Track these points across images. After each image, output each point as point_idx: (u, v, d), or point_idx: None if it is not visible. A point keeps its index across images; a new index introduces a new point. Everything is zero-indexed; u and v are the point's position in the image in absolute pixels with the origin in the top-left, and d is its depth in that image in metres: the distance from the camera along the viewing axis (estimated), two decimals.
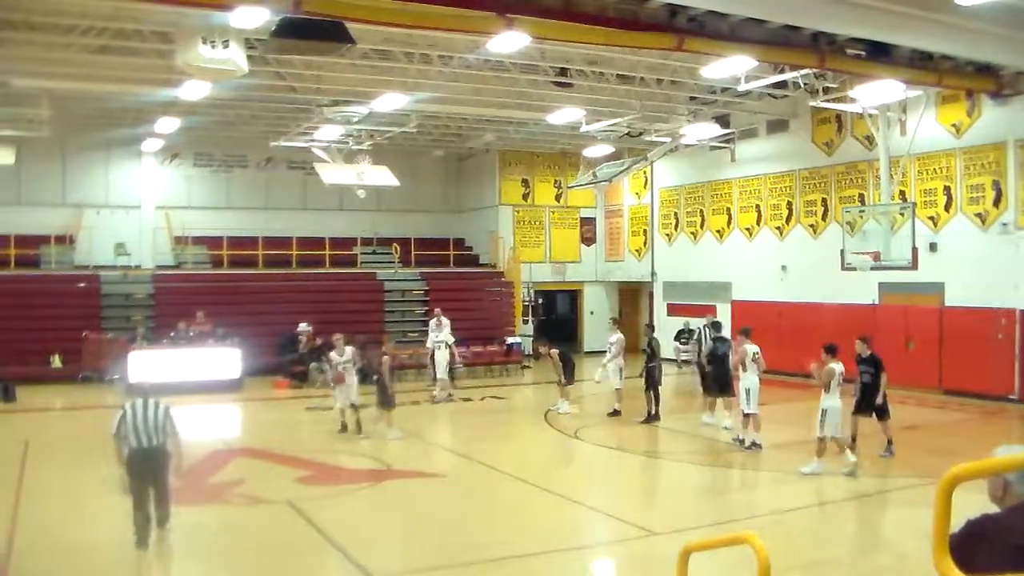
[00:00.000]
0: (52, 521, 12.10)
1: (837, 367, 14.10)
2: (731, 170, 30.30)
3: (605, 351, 20.96)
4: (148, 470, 10.70)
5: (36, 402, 23.02)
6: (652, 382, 19.42)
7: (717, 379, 18.80)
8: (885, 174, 23.63)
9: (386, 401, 18.07)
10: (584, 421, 19.70)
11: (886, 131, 23.67)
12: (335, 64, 21.21)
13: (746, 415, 16.32)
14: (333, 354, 18.70)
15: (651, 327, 21.46)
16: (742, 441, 16.35)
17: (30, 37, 19.03)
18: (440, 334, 23.11)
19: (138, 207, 33.28)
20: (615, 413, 19.90)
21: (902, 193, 24.03)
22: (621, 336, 20.35)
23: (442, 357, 23.03)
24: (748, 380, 16.36)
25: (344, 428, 18.18)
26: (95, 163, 32.84)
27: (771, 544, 5.14)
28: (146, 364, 23.21)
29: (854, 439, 15.26)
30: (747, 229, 29.67)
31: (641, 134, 27.86)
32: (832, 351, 14.40)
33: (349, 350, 18.51)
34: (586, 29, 16.91)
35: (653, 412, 19.38)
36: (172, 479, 10.94)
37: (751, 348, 16.69)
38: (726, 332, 21.12)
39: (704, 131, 27.17)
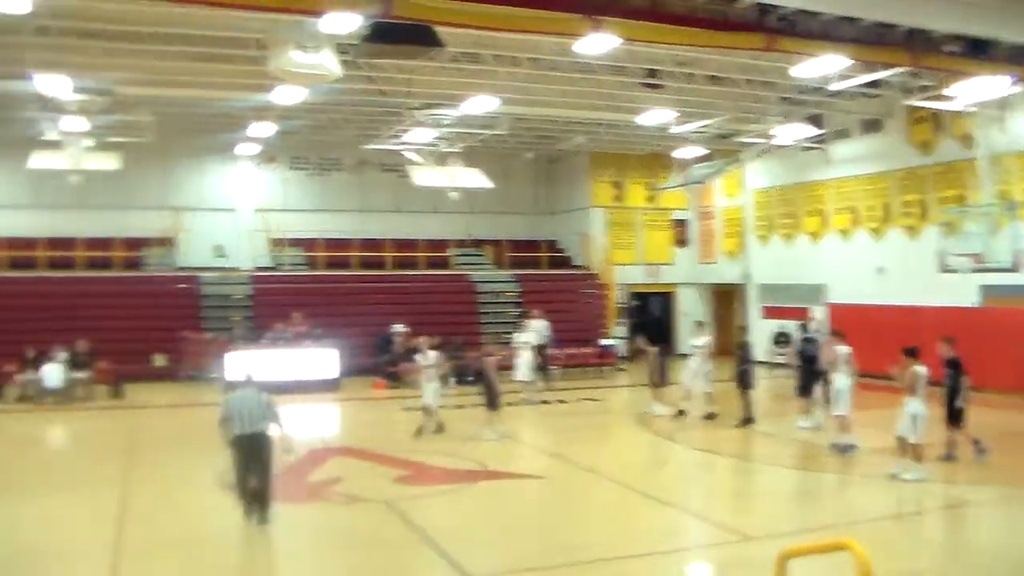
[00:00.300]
0: (158, 516, 12.49)
1: (921, 370, 13.84)
2: (825, 171, 29.77)
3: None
4: (251, 454, 11.58)
5: (141, 399, 23.76)
6: (745, 385, 19.28)
7: (801, 380, 18.68)
8: (986, 174, 23.04)
9: (492, 402, 18.11)
10: (679, 423, 19.59)
11: (986, 129, 23.09)
12: (425, 67, 21.39)
13: (835, 417, 16.10)
14: (418, 356, 18.91)
15: (744, 329, 21.26)
16: (838, 446, 16.07)
17: (134, 47, 19.66)
18: (524, 335, 22.95)
19: (236, 210, 34.10)
20: (710, 416, 19.70)
21: (1004, 193, 23.39)
22: (709, 339, 20.20)
23: (524, 359, 22.79)
24: (839, 382, 16.13)
25: (419, 432, 18.14)
26: (194, 167, 33.72)
27: (869, 551, 5.09)
28: (244, 364, 23.62)
29: (951, 446, 14.96)
30: (842, 231, 29.15)
31: (732, 135, 27.62)
32: (913, 354, 14.07)
33: (432, 354, 18.60)
34: (674, 30, 16.82)
35: (748, 415, 19.17)
36: (281, 461, 11.92)
37: (844, 350, 16.45)
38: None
39: (796, 132, 26.81)
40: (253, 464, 11.61)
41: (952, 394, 15.01)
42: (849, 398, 16.05)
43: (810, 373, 18.33)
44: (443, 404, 18.86)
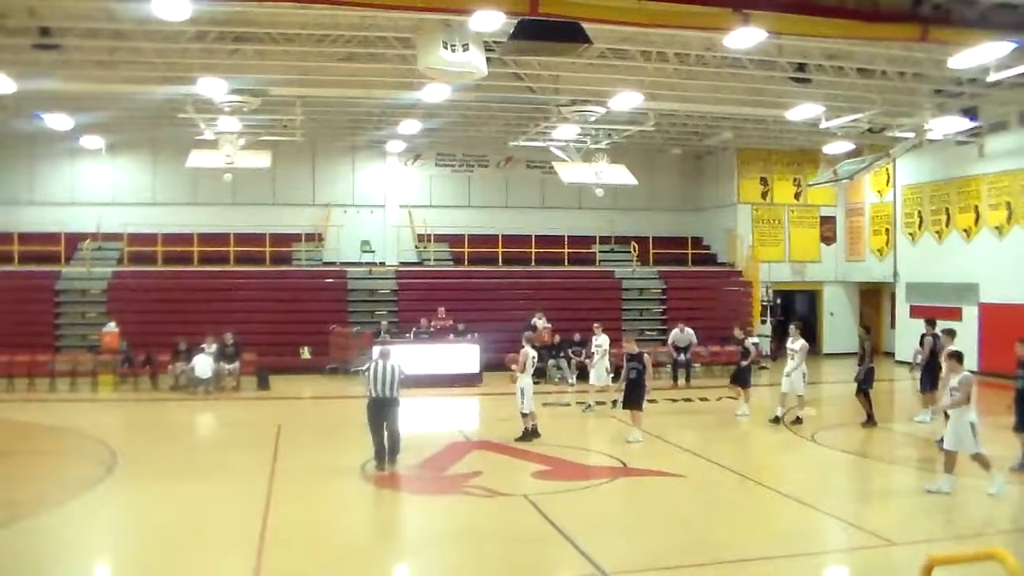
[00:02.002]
0: (302, 505, 12.70)
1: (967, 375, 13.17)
2: (979, 165, 28.53)
3: (846, 353, 20.23)
4: (381, 413, 14.57)
5: (287, 391, 24.36)
6: (866, 385, 18.72)
7: (925, 375, 18.50)
8: None
9: (637, 400, 17.79)
10: (820, 424, 19.06)
11: None
12: (572, 64, 21.36)
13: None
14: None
15: (866, 329, 20.57)
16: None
17: (286, 49, 20.19)
18: (599, 340, 21.71)
19: (382, 206, 34.66)
20: (798, 421, 19.10)
21: None
22: (804, 343, 19.52)
23: (601, 364, 21.49)
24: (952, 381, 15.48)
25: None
26: (342, 164, 34.46)
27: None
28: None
29: None
30: (997, 228, 27.93)
31: (883, 129, 26.70)
32: (959, 358, 13.53)
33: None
34: (824, 22, 16.40)
35: (870, 415, 18.67)
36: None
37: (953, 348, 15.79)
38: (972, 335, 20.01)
39: (950, 125, 25.73)
40: (384, 421, 14.52)
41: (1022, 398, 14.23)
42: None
43: (935, 368, 17.68)
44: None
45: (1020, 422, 14.29)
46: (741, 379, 20.90)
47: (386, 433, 14.51)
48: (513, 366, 18.00)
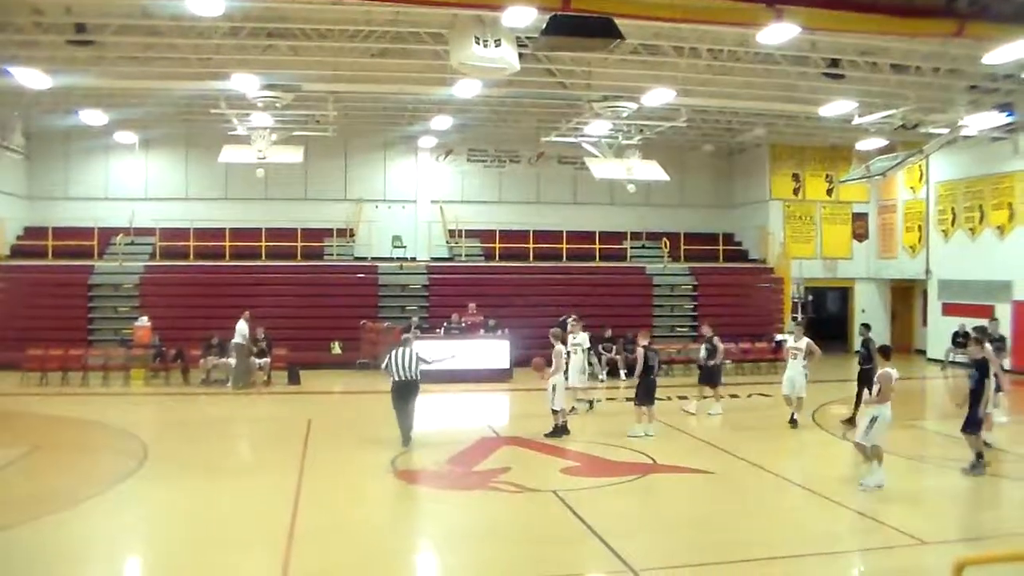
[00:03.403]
0: (332, 500, 12.76)
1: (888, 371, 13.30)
2: (1015, 162, 28.19)
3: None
4: (404, 395, 16.18)
5: (317, 385, 24.44)
6: (864, 384, 18.40)
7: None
8: None
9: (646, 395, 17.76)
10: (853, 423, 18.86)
11: None
12: (604, 60, 21.31)
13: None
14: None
15: (866, 327, 20.17)
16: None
17: (319, 44, 20.25)
18: (577, 339, 20.54)
19: (414, 201, 34.69)
20: (793, 423, 18.55)
21: None
22: (809, 341, 18.99)
23: (575, 363, 19.96)
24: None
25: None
26: (374, 160, 34.52)
27: None
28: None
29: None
30: None
31: (916, 126, 26.39)
32: (885, 353, 13.88)
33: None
34: (858, 17, 16.27)
35: (853, 416, 18.18)
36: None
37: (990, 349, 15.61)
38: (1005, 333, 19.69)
39: (985, 121, 25.42)
40: (407, 402, 16.14)
41: None
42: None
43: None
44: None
45: None
46: (709, 378, 20.48)
47: (406, 413, 16.17)
48: (541, 372, 17.70)
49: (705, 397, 20.53)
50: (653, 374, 17.81)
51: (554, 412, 17.28)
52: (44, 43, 19.42)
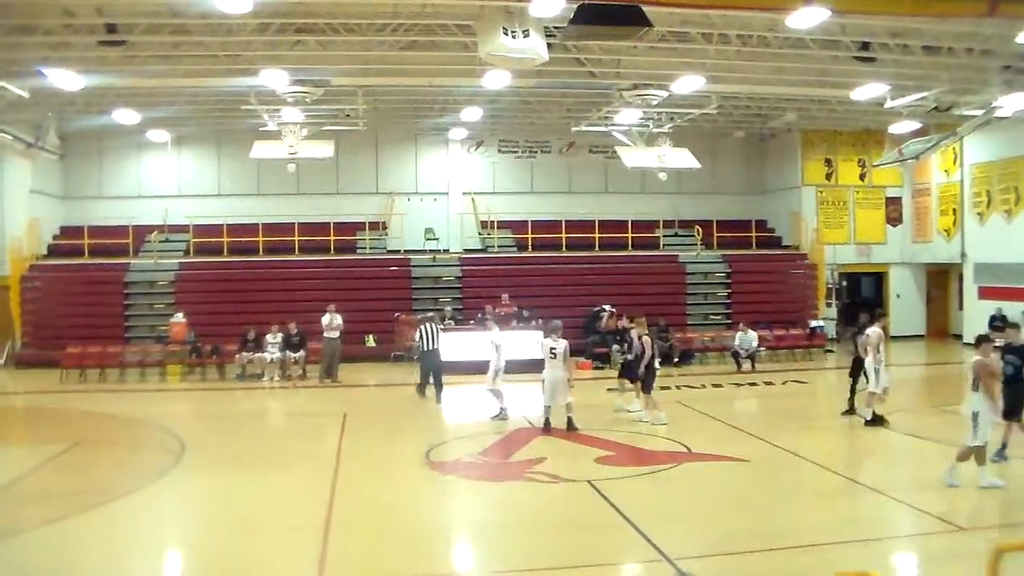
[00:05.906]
0: (367, 491, 12.85)
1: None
2: None
3: (912, 336, 19.58)
4: (429, 362, 20.89)
5: (353, 378, 24.54)
6: (855, 373, 18.23)
7: None
8: None
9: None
10: (887, 408, 18.65)
11: None
12: (633, 48, 21.22)
13: None
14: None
15: (870, 316, 19.61)
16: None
17: (348, 39, 20.30)
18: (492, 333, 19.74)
19: (446, 193, 34.74)
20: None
21: None
22: (876, 330, 18.65)
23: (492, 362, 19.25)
24: None
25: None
26: (405, 152, 34.55)
27: None
28: (454, 344, 23.79)
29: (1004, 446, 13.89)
30: None
31: (950, 108, 26.07)
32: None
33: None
34: None
35: (851, 407, 18.05)
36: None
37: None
38: None
39: (1020, 102, 25.07)
40: (430, 367, 20.75)
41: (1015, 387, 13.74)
42: None
43: None
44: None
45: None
46: (630, 373, 19.28)
47: (432, 379, 20.70)
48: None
49: (627, 390, 19.81)
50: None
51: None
52: (76, 44, 19.58)
